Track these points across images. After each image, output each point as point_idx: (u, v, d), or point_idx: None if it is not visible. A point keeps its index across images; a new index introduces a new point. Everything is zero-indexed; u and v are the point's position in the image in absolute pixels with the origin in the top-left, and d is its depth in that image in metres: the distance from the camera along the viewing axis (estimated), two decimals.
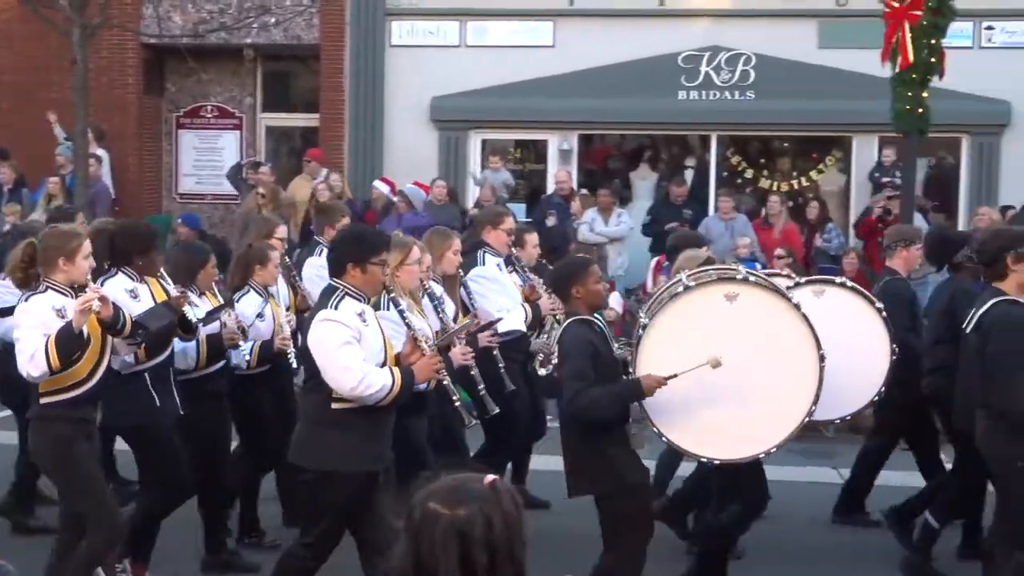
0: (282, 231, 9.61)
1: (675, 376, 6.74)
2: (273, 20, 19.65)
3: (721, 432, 7.07)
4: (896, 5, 13.57)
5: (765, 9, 18.62)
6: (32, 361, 6.66)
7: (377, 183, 17.91)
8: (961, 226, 17.82)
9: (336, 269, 6.69)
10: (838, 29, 18.30)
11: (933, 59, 13.70)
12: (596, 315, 7.21)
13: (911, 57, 13.52)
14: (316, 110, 19.87)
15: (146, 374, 7.61)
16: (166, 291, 7.76)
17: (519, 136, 19.95)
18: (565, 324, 7.03)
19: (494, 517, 2.93)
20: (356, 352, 6.45)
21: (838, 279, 8.19)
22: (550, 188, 18.42)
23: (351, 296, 6.59)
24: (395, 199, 17.16)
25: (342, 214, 10.35)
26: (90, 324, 6.78)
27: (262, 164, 18.17)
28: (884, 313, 7.88)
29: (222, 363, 8.40)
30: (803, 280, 7.98)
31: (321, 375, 6.49)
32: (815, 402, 7.06)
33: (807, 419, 7.16)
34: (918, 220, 15.09)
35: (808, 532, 9.64)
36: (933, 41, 13.62)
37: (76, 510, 7.12)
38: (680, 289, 7.05)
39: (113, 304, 6.96)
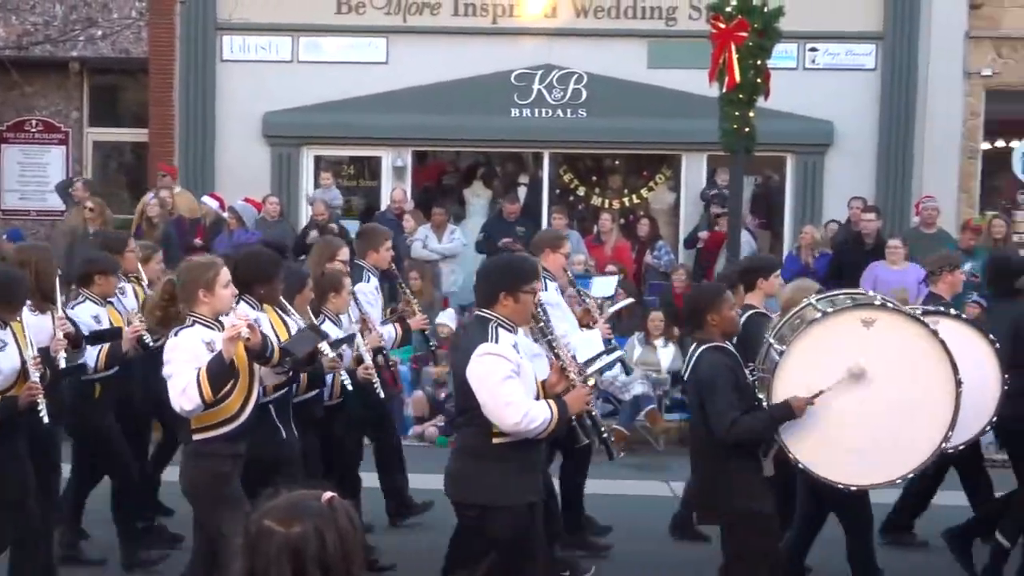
0: (344, 253, 9.23)
1: (821, 393, 6.85)
2: (100, 33, 19.24)
3: (856, 458, 7.11)
4: (723, 27, 13.84)
5: (596, 29, 18.85)
6: (184, 395, 6.48)
7: (206, 199, 17.64)
8: (786, 243, 18.27)
9: (488, 299, 6.49)
10: (667, 49, 18.59)
11: (759, 80, 14.01)
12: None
13: (737, 77, 13.81)
14: (145, 125, 19.51)
15: (271, 406, 7.41)
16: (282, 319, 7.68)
17: (352, 152, 19.85)
18: (700, 351, 7.03)
19: (328, 534, 2.91)
20: (518, 386, 6.30)
21: (952, 311, 8.23)
22: (383, 205, 18.37)
23: (503, 327, 6.41)
24: (225, 215, 16.93)
25: (385, 237, 9.90)
26: (237, 355, 6.60)
27: (80, 180, 17.78)
28: (996, 344, 7.92)
29: (319, 390, 8.29)
30: (919, 310, 7.91)
31: (479, 409, 6.31)
32: (952, 427, 7.13)
33: (944, 444, 7.21)
34: (744, 237, 15.43)
35: (658, 545, 9.76)
36: (759, 62, 13.94)
37: (224, 547, 6.69)
38: (817, 315, 7.12)
39: (261, 332, 6.80)
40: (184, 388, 6.50)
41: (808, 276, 15.82)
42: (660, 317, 14.32)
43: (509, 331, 6.43)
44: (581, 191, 19.66)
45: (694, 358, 7.09)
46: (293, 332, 7.57)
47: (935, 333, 7.18)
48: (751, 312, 8.60)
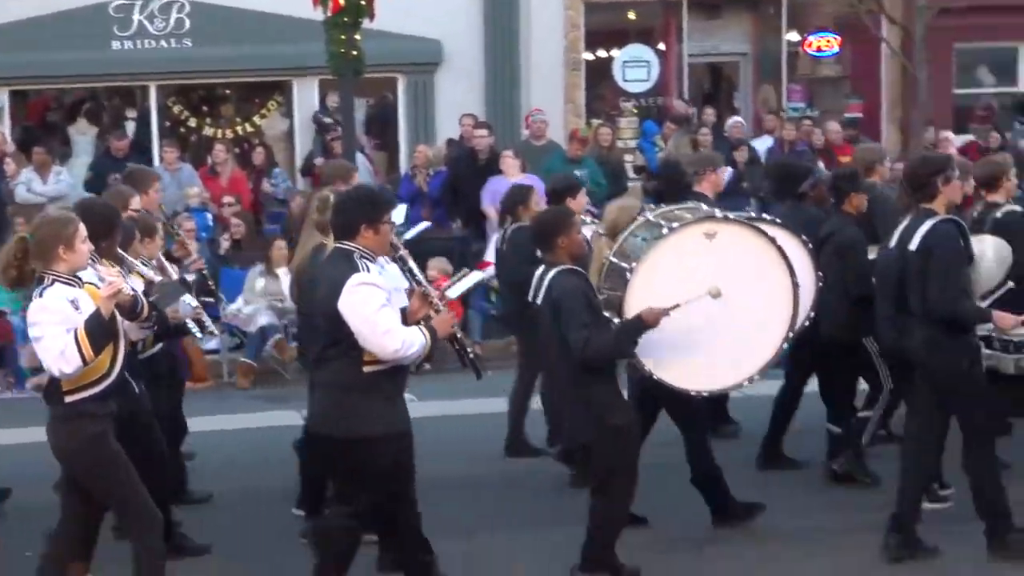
0: (136, 202, 8.61)
1: (677, 307, 7.07)
2: None
3: (707, 365, 7.45)
4: None
5: None
6: (63, 357, 6.21)
7: None
8: (402, 163, 18.36)
9: (347, 231, 6.52)
10: None
11: (363, 2, 13.95)
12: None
13: (342, 1, 13.71)
14: None
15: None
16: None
17: None
18: (552, 275, 7.19)
19: None
20: (393, 314, 6.42)
21: (767, 216, 8.36)
22: None
23: (366, 258, 6.46)
24: None
25: (154, 178, 9.48)
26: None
27: None
28: (809, 245, 8.20)
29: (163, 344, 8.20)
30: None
31: (350, 341, 6.34)
32: (792, 327, 7.61)
33: (785, 344, 7.68)
34: (359, 160, 15.41)
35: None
36: None
37: (120, 511, 6.67)
38: (665, 231, 7.35)
39: (132, 288, 6.61)
40: (62, 350, 6.20)
41: (422, 198, 16.10)
42: (282, 246, 14.14)
43: (371, 262, 6.48)
44: (192, 122, 19.20)
45: (546, 281, 7.23)
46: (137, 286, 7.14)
47: (773, 240, 7.54)
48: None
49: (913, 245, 7.47)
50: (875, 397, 9.43)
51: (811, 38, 20.45)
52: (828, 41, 20.37)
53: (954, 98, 20.22)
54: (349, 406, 6.45)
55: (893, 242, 7.71)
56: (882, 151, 11.26)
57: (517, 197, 10.10)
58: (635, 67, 19.49)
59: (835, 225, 9.02)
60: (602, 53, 20.19)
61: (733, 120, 18.13)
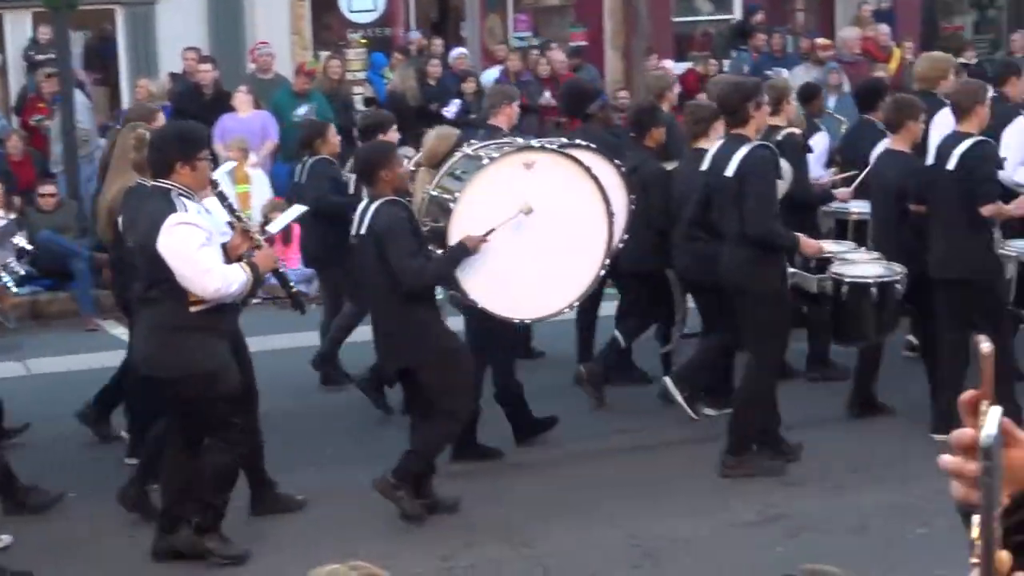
0: None
1: (493, 231, 7.40)
2: None
3: (528, 293, 7.76)
4: None
5: None
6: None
7: None
8: (124, 98, 17.79)
9: (163, 169, 6.56)
10: None
11: None
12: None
13: None
14: None
15: None
16: None
17: None
18: (376, 206, 7.35)
19: None
20: (214, 253, 6.47)
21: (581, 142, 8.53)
22: None
23: (185, 196, 6.47)
24: None
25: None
26: None
27: None
28: (622, 168, 8.51)
29: None
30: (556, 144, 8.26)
31: (172, 281, 6.41)
32: (608, 255, 7.95)
33: (602, 270, 8.05)
34: (78, 98, 14.90)
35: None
36: None
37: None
38: (485, 162, 7.62)
39: None
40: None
41: None
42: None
43: (190, 199, 6.51)
44: None
45: (369, 212, 7.36)
46: None
47: (588, 169, 7.82)
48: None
49: (730, 171, 7.81)
50: (668, 332, 9.81)
51: None
52: None
53: (673, 26, 20.70)
54: (177, 345, 6.55)
55: (705, 165, 8.13)
56: (669, 78, 11.78)
57: (315, 131, 10.32)
58: None
59: (638, 159, 9.29)
60: None
61: (457, 52, 18.15)
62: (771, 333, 8.00)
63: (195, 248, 6.37)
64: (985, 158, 8.45)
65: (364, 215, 7.44)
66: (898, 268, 8.57)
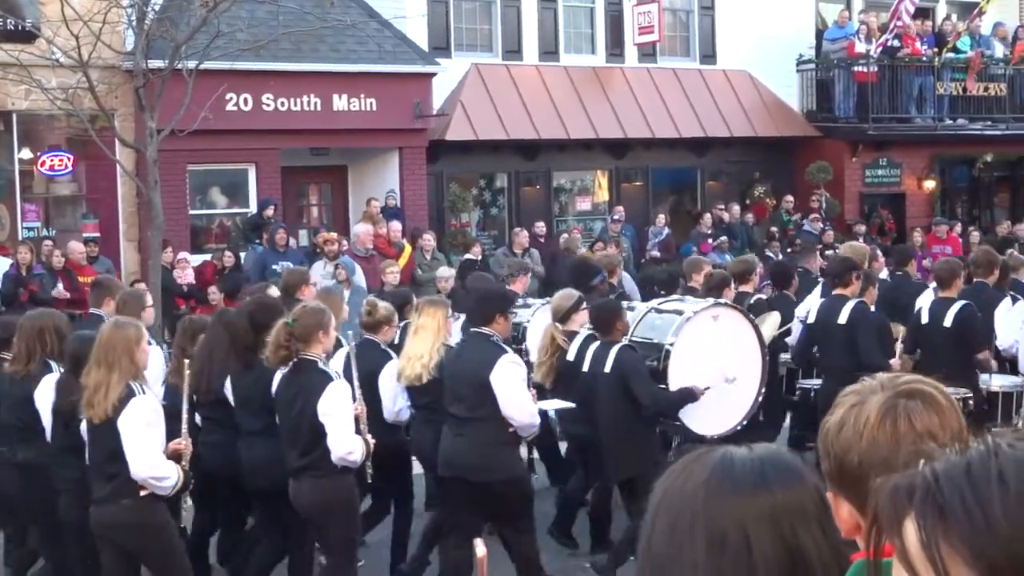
0: None
1: (709, 389, 9.70)
2: None
3: (714, 416, 9.93)
4: None
5: None
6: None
7: None
8: None
9: (487, 319, 8.50)
10: None
11: None
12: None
13: None
14: None
15: None
16: None
17: None
18: (617, 349, 9.47)
19: None
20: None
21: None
22: None
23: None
24: None
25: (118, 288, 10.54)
26: None
27: None
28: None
29: None
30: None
31: (498, 407, 8.25)
32: (763, 387, 10.28)
33: (759, 398, 10.25)
34: None
35: None
36: None
37: None
38: (691, 315, 10.04)
39: None
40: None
41: None
42: None
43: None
44: None
45: (612, 353, 9.67)
46: None
47: (752, 321, 10.38)
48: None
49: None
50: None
51: (44, 157, 20.00)
52: (62, 160, 20.04)
53: (190, 218, 20.70)
54: (506, 455, 8.64)
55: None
56: (616, 258, 14.87)
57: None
58: None
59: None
60: None
61: None
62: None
63: (520, 382, 8.43)
64: None
65: (590, 352, 9.60)
66: None
